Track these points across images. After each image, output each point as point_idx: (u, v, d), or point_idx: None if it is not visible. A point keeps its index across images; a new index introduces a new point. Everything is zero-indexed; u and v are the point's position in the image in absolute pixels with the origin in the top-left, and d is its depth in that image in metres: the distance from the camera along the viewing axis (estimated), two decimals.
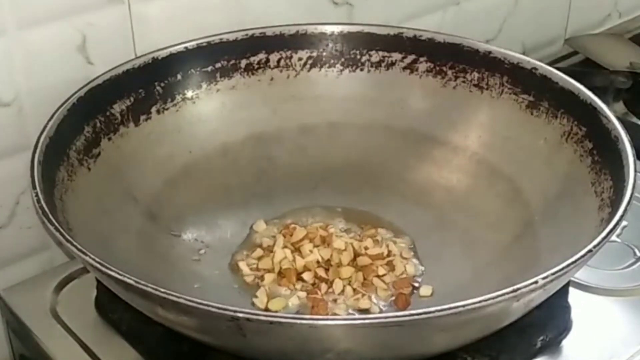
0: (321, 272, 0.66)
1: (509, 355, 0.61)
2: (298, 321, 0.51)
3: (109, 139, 0.68)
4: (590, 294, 0.68)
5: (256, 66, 0.76)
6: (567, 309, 0.65)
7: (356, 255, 0.67)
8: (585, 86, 0.69)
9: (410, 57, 0.76)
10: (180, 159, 0.72)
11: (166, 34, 0.74)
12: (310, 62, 0.77)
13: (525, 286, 0.52)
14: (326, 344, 0.53)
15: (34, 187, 0.58)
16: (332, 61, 0.77)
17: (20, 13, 0.67)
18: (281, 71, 0.76)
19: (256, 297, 0.64)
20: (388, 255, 0.68)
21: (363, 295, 0.64)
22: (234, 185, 0.74)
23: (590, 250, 0.54)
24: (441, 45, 0.75)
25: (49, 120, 0.63)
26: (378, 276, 0.66)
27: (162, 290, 0.51)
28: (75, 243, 0.54)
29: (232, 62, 0.75)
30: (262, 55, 0.76)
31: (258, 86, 0.76)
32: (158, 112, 0.72)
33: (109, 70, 0.69)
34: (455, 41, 0.75)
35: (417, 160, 0.75)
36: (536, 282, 0.52)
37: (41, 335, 0.65)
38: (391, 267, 0.67)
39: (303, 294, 0.65)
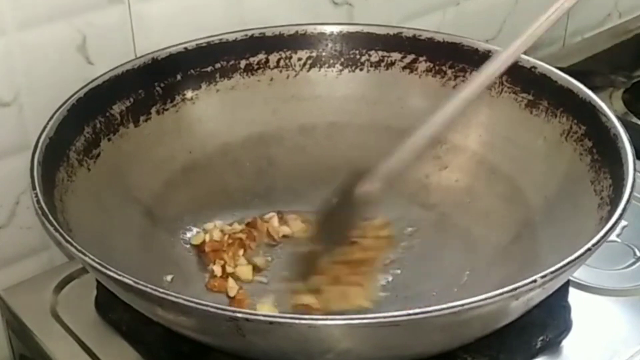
0: None
1: (509, 355, 0.61)
2: (297, 321, 0.51)
3: (109, 139, 0.68)
4: (590, 294, 0.68)
5: (256, 66, 0.76)
6: (567, 309, 0.65)
7: None
8: (585, 86, 0.69)
9: (410, 57, 0.76)
10: (180, 160, 0.72)
11: (166, 34, 0.74)
12: (309, 62, 0.77)
13: (524, 285, 0.52)
14: (326, 344, 0.53)
15: (34, 188, 0.58)
16: (331, 61, 0.77)
17: (20, 13, 0.67)
18: (281, 71, 0.76)
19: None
20: None
21: None
22: (233, 185, 0.74)
23: (589, 249, 0.54)
24: (441, 45, 0.75)
25: (49, 120, 0.63)
26: None
27: (161, 290, 0.51)
28: (74, 244, 0.54)
29: (232, 62, 0.75)
30: (261, 56, 0.76)
31: (258, 86, 0.76)
32: (158, 112, 0.72)
33: (109, 71, 0.69)
34: (455, 41, 0.75)
35: (417, 160, 0.75)
36: (535, 281, 0.52)
37: (41, 335, 0.65)
38: None
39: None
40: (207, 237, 0.69)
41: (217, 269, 0.67)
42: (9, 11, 0.66)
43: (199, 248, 0.69)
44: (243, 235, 0.69)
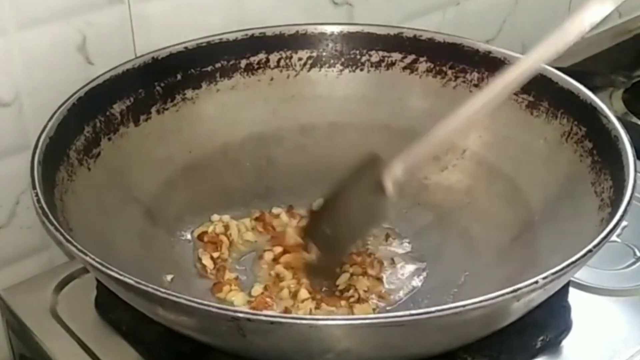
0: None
1: (509, 355, 0.61)
2: (298, 321, 0.51)
3: (109, 139, 0.68)
4: (590, 294, 0.68)
5: (256, 66, 0.76)
6: (567, 309, 0.65)
7: None
8: (585, 86, 0.69)
9: (410, 57, 0.76)
10: (180, 159, 0.72)
11: (166, 34, 0.74)
12: (310, 62, 0.77)
13: (525, 286, 0.52)
14: (326, 344, 0.53)
15: (34, 187, 0.58)
16: (332, 61, 0.77)
17: (20, 13, 0.67)
18: (281, 71, 0.76)
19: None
20: None
21: None
22: (234, 185, 0.74)
23: (590, 250, 0.54)
24: (441, 45, 0.75)
25: (49, 120, 0.63)
26: None
27: (162, 290, 0.51)
28: (75, 243, 0.54)
29: (232, 62, 0.75)
30: (262, 55, 0.76)
31: (258, 86, 0.76)
32: (158, 112, 0.72)
33: (109, 70, 0.69)
34: (455, 41, 0.75)
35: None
36: (536, 282, 0.52)
37: (41, 335, 0.65)
38: None
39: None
40: (210, 229, 0.70)
41: (208, 262, 0.67)
42: (9, 11, 0.66)
43: (199, 237, 0.70)
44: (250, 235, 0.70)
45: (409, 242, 0.71)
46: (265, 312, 0.62)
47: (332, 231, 0.66)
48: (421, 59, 0.76)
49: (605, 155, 0.65)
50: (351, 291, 0.65)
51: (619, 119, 0.66)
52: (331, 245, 0.66)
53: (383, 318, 0.51)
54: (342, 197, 0.66)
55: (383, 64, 0.77)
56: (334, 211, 0.67)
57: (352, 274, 0.67)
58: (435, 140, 0.63)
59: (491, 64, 0.73)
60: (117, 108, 0.69)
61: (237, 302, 0.64)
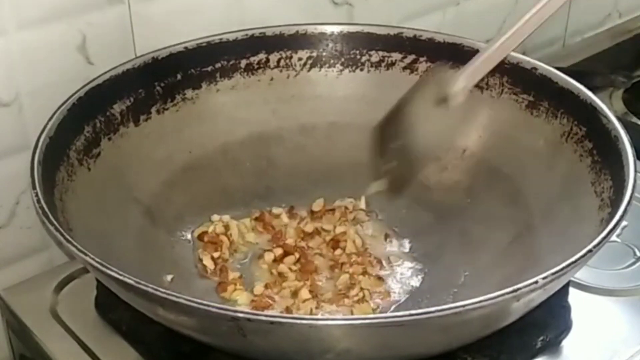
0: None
1: (509, 355, 0.61)
2: (298, 321, 0.51)
3: (109, 139, 0.68)
4: (590, 294, 0.68)
5: (256, 66, 0.76)
6: (567, 309, 0.65)
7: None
8: (585, 86, 0.69)
9: (410, 57, 0.76)
10: (180, 159, 0.72)
11: (166, 34, 0.74)
12: (310, 62, 0.77)
13: (525, 286, 0.52)
14: (326, 344, 0.53)
15: (34, 187, 0.58)
16: (332, 61, 0.77)
17: (20, 13, 0.67)
18: (281, 71, 0.76)
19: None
20: None
21: None
22: (234, 185, 0.74)
23: (590, 251, 0.54)
24: (441, 46, 0.75)
25: (49, 120, 0.63)
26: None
27: (162, 290, 0.51)
28: (75, 243, 0.54)
29: (232, 62, 0.75)
30: (262, 55, 0.76)
31: (258, 86, 0.76)
32: (158, 112, 0.72)
33: (109, 70, 0.69)
34: (455, 41, 0.75)
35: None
36: (536, 282, 0.52)
37: (41, 335, 0.65)
38: None
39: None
40: (210, 229, 0.70)
41: (209, 262, 0.68)
42: (9, 11, 0.66)
43: (199, 237, 0.70)
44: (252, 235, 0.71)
45: (408, 242, 0.71)
46: (265, 312, 0.62)
47: (399, 144, 0.67)
48: (421, 59, 0.76)
49: (605, 155, 0.65)
50: (355, 290, 0.65)
51: (619, 119, 0.66)
52: (402, 156, 0.67)
53: (383, 318, 0.51)
54: (407, 109, 0.67)
55: (383, 64, 0.77)
56: (399, 124, 0.67)
57: (352, 274, 0.67)
58: (494, 53, 0.64)
59: None
60: (117, 108, 0.69)
61: (242, 301, 0.64)
